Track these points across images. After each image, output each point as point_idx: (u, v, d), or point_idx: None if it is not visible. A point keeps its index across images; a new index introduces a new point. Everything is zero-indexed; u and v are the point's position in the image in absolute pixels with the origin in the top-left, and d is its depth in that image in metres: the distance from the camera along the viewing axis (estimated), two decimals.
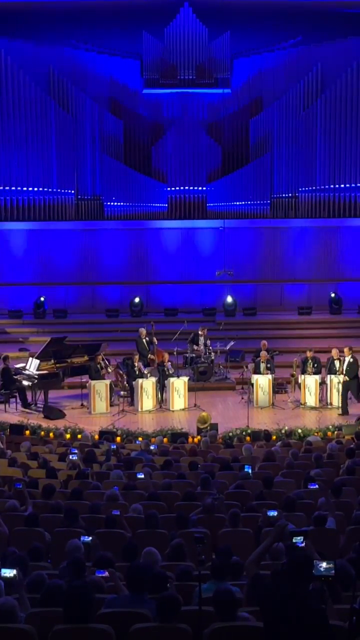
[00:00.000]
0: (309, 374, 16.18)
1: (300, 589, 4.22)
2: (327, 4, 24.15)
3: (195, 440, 13.62)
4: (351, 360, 15.77)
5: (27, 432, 14.04)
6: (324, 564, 4.56)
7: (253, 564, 5.32)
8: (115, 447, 12.18)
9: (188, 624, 4.88)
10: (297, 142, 24.42)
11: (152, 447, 12.42)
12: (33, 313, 23.41)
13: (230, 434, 14.02)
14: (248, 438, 13.61)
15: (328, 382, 16.22)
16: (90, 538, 6.63)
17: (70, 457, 10.87)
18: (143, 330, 17.44)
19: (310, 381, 16.13)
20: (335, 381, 16.07)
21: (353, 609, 4.28)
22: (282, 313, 23.84)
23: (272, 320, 23.15)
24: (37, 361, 16.12)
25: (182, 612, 4.97)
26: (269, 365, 16.43)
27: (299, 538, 5.19)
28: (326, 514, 7.41)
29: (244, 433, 13.95)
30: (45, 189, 23.84)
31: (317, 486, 8.49)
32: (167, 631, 4.83)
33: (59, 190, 24.10)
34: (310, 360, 16.30)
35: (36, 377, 15.98)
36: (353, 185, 23.85)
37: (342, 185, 23.91)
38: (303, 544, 5.20)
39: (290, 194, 24.60)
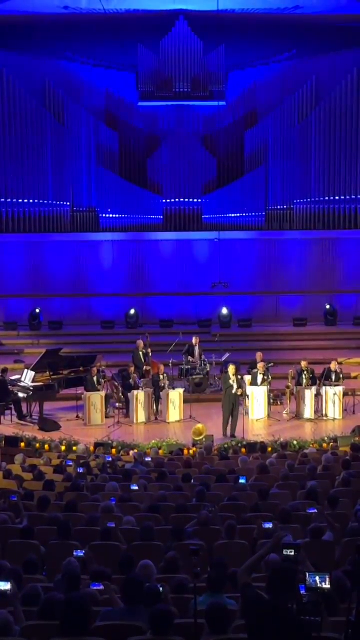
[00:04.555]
0: (304, 385, 16.18)
1: (282, 600, 4.19)
2: (322, 18, 24.28)
3: (191, 452, 13.59)
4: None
5: (23, 444, 13.99)
6: (319, 576, 4.54)
7: (245, 572, 5.29)
8: (110, 459, 12.16)
9: (183, 636, 4.86)
10: (292, 155, 24.51)
11: (147, 459, 12.40)
12: (28, 324, 23.38)
13: (226, 445, 14.02)
14: (244, 450, 13.59)
15: (323, 393, 16.22)
16: (84, 552, 6.60)
17: (69, 469, 10.84)
18: (141, 343, 17.41)
19: (306, 393, 16.13)
20: (331, 392, 16.08)
21: (349, 621, 4.26)
22: (277, 324, 23.85)
23: (268, 331, 23.16)
24: (33, 373, 16.08)
25: (177, 625, 4.95)
26: (266, 377, 16.38)
27: (290, 551, 5.16)
28: (324, 525, 7.38)
29: (239, 445, 13.93)
30: (41, 201, 23.88)
31: (316, 511, 8.29)
32: None
33: (54, 202, 24.13)
34: (305, 372, 16.30)
35: (31, 388, 15.93)
36: (348, 197, 23.94)
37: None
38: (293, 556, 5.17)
39: (285, 206, 24.66)
